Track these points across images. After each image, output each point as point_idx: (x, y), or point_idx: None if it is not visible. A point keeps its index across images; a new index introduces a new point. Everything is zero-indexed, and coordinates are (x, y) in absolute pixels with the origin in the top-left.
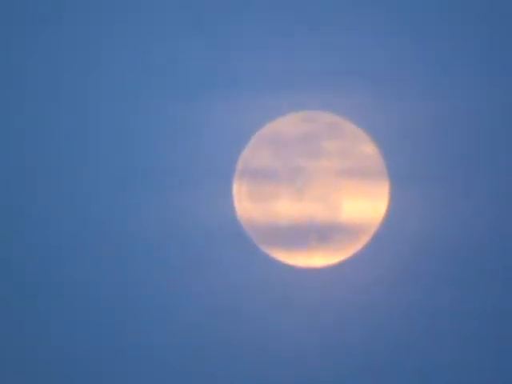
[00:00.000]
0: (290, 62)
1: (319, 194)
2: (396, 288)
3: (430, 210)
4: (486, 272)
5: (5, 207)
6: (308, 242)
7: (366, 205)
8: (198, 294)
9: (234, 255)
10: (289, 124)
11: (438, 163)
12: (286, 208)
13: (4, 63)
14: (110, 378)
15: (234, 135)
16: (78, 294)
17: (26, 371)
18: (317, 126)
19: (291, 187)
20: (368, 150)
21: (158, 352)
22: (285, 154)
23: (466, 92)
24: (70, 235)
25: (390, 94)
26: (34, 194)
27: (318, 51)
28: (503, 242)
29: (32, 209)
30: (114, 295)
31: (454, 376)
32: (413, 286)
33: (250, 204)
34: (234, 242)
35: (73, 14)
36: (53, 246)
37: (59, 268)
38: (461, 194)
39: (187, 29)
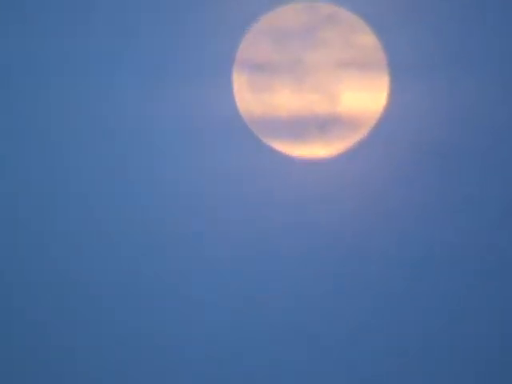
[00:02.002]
0: None
1: (319, 86)
2: (394, 181)
3: (431, 103)
4: (486, 171)
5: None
6: (308, 133)
7: (366, 96)
8: (198, 185)
9: (235, 147)
10: (287, 15)
11: (442, 55)
12: (285, 99)
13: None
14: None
15: (231, 27)
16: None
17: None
18: (316, 17)
19: (290, 78)
20: (368, 40)
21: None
22: (283, 46)
23: None
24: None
25: None
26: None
27: None
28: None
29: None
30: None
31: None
32: (410, 180)
33: (249, 96)
34: (235, 134)
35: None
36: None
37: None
38: (465, 88)
39: None
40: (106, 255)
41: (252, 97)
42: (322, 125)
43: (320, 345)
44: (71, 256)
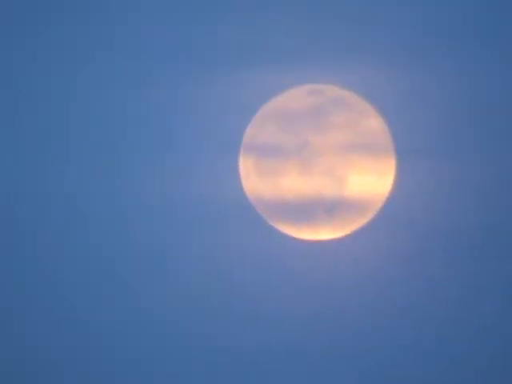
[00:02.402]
0: (295, 36)
1: (326, 169)
2: (400, 263)
3: (436, 186)
4: (497, 252)
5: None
6: (315, 216)
7: (372, 179)
8: (206, 268)
9: (242, 230)
10: (295, 98)
11: (447, 139)
12: (293, 182)
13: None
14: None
15: (239, 110)
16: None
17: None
18: (323, 100)
19: (298, 162)
20: (375, 124)
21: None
22: (291, 128)
23: (477, 65)
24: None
25: (398, 68)
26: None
27: (323, 24)
28: None
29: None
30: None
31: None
32: (417, 262)
33: (257, 179)
34: (242, 217)
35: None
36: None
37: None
38: (470, 172)
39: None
40: None
41: (259, 180)
42: (330, 208)
43: None
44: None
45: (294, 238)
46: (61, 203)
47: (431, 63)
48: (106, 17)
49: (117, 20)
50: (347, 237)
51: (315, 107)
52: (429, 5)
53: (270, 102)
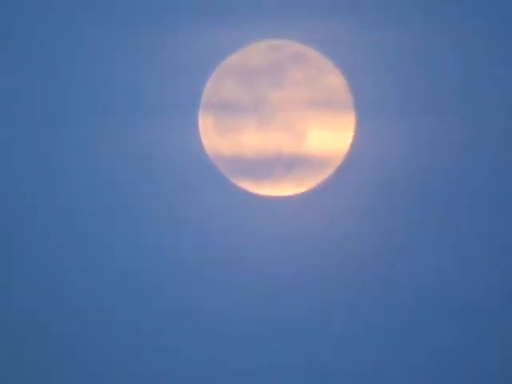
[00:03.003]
0: None
1: (285, 125)
2: (361, 219)
3: (396, 143)
4: (453, 209)
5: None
6: (275, 171)
7: (331, 135)
8: (166, 227)
9: (202, 187)
10: (253, 54)
11: (407, 96)
12: (252, 139)
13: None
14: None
15: (197, 67)
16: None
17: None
18: (282, 56)
19: (257, 118)
20: (335, 80)
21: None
22: (249, 85)
23: (443, 26)
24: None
25: (360, 25)
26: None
27: None
28: (472, 176)
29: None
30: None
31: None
32: (377, 219)
33: (216, 136)
34: (202, 175)
35: None
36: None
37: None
38: (429, 129)
39: None
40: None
41: (218, 137)
42: (289, 163)
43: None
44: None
45: (254, 194)
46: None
47: (393, 19)
48: None
49: None
50: (307, 192)
51: (274, 63)
52: None
53: (228, 58)
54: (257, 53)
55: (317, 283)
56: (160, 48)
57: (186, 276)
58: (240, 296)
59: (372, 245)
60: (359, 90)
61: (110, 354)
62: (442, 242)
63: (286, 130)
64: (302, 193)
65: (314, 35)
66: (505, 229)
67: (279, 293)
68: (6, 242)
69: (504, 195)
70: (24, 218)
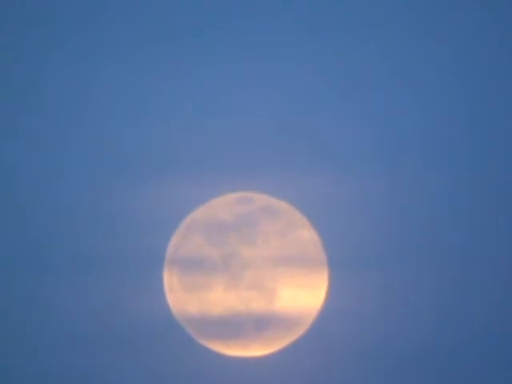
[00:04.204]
0: (223, 144)
1: (255, 282)
2: (332, 380)
3: (368, 299)
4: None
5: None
6: (244, 331)
7: (303, 293)
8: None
9: (168, 348)
10: (220, 207)
11: (378, 249)
12: (220, 297)
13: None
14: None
15: (162, 221)
16: None
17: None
18: (253, 209)
19: (225, 275)
20: (306, 235)
21: None
22: (217, 239)
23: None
24: None
25: (330, 175)
26: None
27: (252, 131)
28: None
29: None
30: None
31: None
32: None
33: (182, 294)
34: (168, 335)
35: None
36: None
37: None
38: (403, 283)
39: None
40: None
41: (184, 295)
42: (259, 322)
43: None
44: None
45: (223, 355)
46: None
47: (357, 169)
48: None
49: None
50: (277, 353)
51: (243, 217)
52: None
53: (195, 211)
54: (223, 206)
55: None
56: (128, 201)
57: None
58: None
59: None
60: (331, 246)
61: None
62: None
63: (256, 287)
64: (272, 353)
65: (284, 187)
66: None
67: None
68: None
69: None
70: None
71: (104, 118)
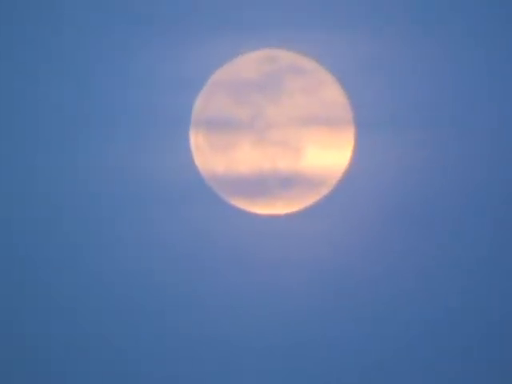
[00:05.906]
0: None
1: (281, 140)
2: (358, 238)
3: (396, 160)
4: (453, 232)
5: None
6: (270, 190)
7: (329, 152)
8: (161, 246)
9: (196, 206)
10: (246, 65)
11: (408, 110)
12: (246, 156)
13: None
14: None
15: (186, 82)
16: None
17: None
18: (278, 67)
19: (251, 133)
20: (334, 95)
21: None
22: (243, 99)
23: (444, 39)
24: None
25: (359, 34)
26: None
27: None
28: (472, 191)
29: None
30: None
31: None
32: (374, 240)
33: (209, 154)
34: (196, 193)
35: None
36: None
37: None
38: (431, 146)
39: None
40: None
41: (211, 154)
42: (284, 181)
43: None
44: None
45: (249, 213)
46: None
47: (395, 31)
48: None
49: None
50: (303, 211)
51: (269, 75)
52: None
53: (219, 71)
54: (249, 64)
55: (309, 302)
56: (149, 63)
57: (179, 296)
58: (236, 317)
59: (368, 265)
60: (359, 105)
61: None
62: (440, 261)
63: (282, 146)
64: (297, 212)
65: (312, 45)
66: (506, 245)
67: (272, 313)
68: None
69: (505, 209)
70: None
71: None
